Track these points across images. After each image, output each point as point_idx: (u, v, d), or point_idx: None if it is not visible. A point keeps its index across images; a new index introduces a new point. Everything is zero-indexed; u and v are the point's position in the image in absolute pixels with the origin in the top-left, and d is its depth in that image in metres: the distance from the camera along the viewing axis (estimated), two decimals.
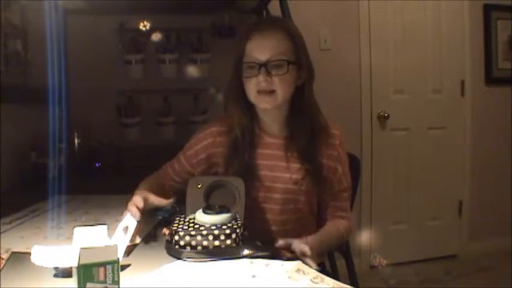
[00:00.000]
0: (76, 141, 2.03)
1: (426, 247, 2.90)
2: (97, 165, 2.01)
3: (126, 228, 0.98)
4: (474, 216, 2.99)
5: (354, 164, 1.44)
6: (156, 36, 2.30)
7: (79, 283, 0.69)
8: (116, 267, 0.71)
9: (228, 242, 0.94)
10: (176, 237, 0.94)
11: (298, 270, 0.85)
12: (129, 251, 0.96)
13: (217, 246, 0.93)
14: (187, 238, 0.93)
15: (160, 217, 1.15)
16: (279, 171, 1.20)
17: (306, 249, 0.99)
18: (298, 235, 1.19)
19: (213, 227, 0.95)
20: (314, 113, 1.22)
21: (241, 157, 1.19)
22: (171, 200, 1.13)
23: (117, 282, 0.71)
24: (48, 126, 1.85)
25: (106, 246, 0.75)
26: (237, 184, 1.08)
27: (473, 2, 2.92)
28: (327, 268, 1.41)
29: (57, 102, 1.98)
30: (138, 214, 1.03)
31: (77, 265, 0.70)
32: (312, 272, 0.85)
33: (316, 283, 0.81)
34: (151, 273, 0.85)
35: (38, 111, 1.92)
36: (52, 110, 1.92)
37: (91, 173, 1.98)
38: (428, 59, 2.88)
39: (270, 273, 0.84)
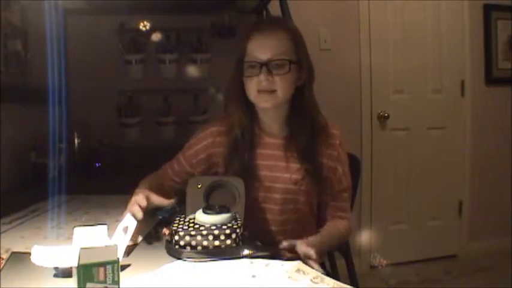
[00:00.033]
0: (76, 141, 2.03)
1: (426, 247, 2.90)
2: (97, 165, 2.01)
3: (126, 228, 0.98)
4: (474, 216, 2.99)
5: (354, 164, 1.44)
6: (156, 36, 2.30)
7: (79, 283, 0.69)
8: (116, 267, 0.71)
9: (228, 242, 0.94)
10: (176, 237, 0.94)
11: (298, 270, 0.85)
12: (129, 251, 0.96)
13: (217, 246, 0.93)
14: (187, 238, 0.93)
15: (160, 217, 1.15)
16: (278, 171, 1.21)
17: (311, 252, 0.99)
18: (298, 235, 1.19)
19: (213, 227, 0.94)
20: (314, 113, 1.22)
21: (241, 157, 1.19)
22: (172, 200, 1.13)
23: (117, 282, 0.71)
24: (48, 126, 1.85)
25: (106, 246, 0.75)
26: (237, 184, 1.08)
27: (473, 2, 2.92)
28: (327, 268, 1.41)
29: (57, 102, 1.98)
30: (140, 213, 1.03)
31: (77, 265, 0.70)
32: (312, 272, 0.85)
33: (316, 283, 0.81)
34: (151, 273, 0.85)
35: (38, 111, 1.92)
36: (52, 110, 1.92)
37: (91, 173, 1.98)
38: (428, 59, 2.88)
39: (270, 273, 0.84)
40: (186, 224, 0.97)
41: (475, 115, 2.96)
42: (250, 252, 0.92)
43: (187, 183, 1.10)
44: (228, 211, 0.99)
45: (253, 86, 1.15)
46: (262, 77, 1.13)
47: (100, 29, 2.27)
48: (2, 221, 1.21)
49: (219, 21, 2.33)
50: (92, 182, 1.88)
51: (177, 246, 0.94)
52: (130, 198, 1.10)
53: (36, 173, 1.81)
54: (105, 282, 0.70)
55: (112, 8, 2.19)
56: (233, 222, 0.97)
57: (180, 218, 1.02)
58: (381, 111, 2.79)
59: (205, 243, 0.93)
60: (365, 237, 2.76)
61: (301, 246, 1.01)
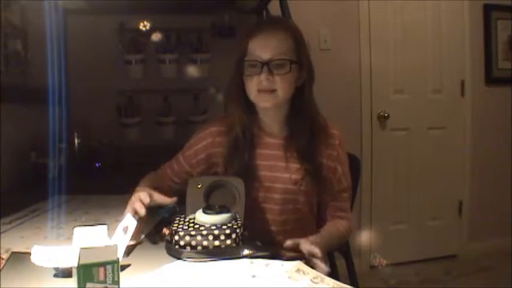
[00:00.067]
0: (76, 141, 2.03)
1: (426, 247, 2.90)
2: (97, 165, 2.01)
3: (126, 228, 0.98)
4: (474, 216, 2.99)
5: (354, 164, 1.44)
6: (156, 36, 2.30)
7: (79, 283, 0.69)
8: (116, 267, 0.71)
9: (228, 242, 0.94)
10: (176, 237, 0.94)
11: (298, 270, 0.85)
12: (129, 251, 0.96)
13: (217, 246, 0.93)
14: (187, 238, 0.93)
15: (160, 216, 1.15)
16: (278, 171, 1.20)
17: (316, 250, 0.99)
18: (298, 235, 1.19)
19: (213, 227, 0.95)
20: (314, 114, 1.22)
21: (241, 157, 1.19)
22: (174, 198, 1.12)
23: (117, 282, 0.71)
24: (48, 126, 1.85)
25: (106, 246, 0.75)
26: (237, 184, 1.08)
27: (473, 2, 2.92)
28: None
29: (57, 102, 1.98)
30: (143, 209, 1.03)
31: (77, 265, 0.70)
32: (312, 272, 0.85)
33: (316, 283, 0.81)
34: (151, 273, 0.85)
35: (38, 111, 1.92)
36: (52, 110, 1.92)
37: (91, 173, 1.98)
38: (428, 59, 2.88)
39: (270, 273, 0.84)
40: (186, 224, 0.97)
41: (475, 115, 2.96)
42: (250, 252, 0.92)
43: (188, 183, 1.10)
44: (228, 211, 0.99)
45: (254, 86, 1.15)
46: (263, 76, 1.13)
47: (100, 29, 2.27)
48: (2, 221, 1.21)
49: (219, 21, 2.33)
50: (92, 182, 1.88)
51: (177, 246, 0.94)
52: (131, 197, 1.10)
53: (36, 173, 1.81)
54: (105, 282, 0.70)
55: (112, 8, 2.19)
56: (233, 222, 0.97)
57: (180, 218, 1.02)
58: (381, 111, 2.79)
59: (205, 243, 0.93)
60: (365, 237, 2.75)
61: (305, 245, 1.01)
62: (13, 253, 0.95)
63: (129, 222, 0.99)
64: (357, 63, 2.76)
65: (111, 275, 0.70)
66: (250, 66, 1.15)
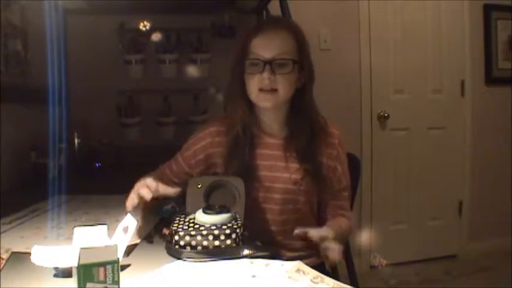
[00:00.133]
0: (76, 141, 2.03)
1: (426, 247, 2.90)
2: (97, 165, 2.01)
3: (126, 228, 0.98)
4: (474, 216, 2.99)
5: (354, 164, 1.44)
6: (156, 36, 2.30)
7: (79, 283, 0.69)
8: (116, 267, 0.71)
9: (228, 242, 0.94)
10: (176, 237, 0.94)
11: (298, 270, 0.85)
12: (129, 251, 0.96)
13: (217, 246, 0.93)
14: (187, 238, 0.93)
15: (160, 216, 1.15)
16: (278, 171, 1.20)
17: (325, 233, 1.00)
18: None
19: (213, 227, 0.94)
20: (313, 114, 1.22)
21: (240, 157, 1.19)
22: (178, 189, 1.11)
23: (117, 282, 0.71)
24: (48, 126, 1.85)
25: (106, 246, 0.75)
26: (237, 184, 1.08)
27: (473, 2, 2.92)
28: (327, 268, 1.41)
29: (57, 102, 1.98)
30: (150, 194, 1.03)
31: (77, 265, 0.70)
32: (312, 272, 0.85)
33: (316, 283, 0.81)
34: (151, 273, 0.85)
35: (38, 111, 1.92)
36: (52, 110, 1.92)
37: (91, 173, 1.98)
38: (428, 59, 2.88)
39: (270, 273, 0.84)
40: (186, 224, 0.97)
41: (475, 115, 2.96)
42: (250, 252, 0.92)
43: (188, 183, 1.10)
44: (228, 211, 0.99)
45: (255, 84, 1.15)
46: (265, 75, 1.13)
47: (100, 29, 2.27)
48: (2, 221, 1.21)
49: (219, 21, 2.33)
50: (92, 182, 1.88)
51: (177, 246, 0.94)
52: (132, 189, 1.09)
53: (36, 173, 1.81)
54: (105, 282, 0.70)
55: (112, 8, 2.19)
56: (233, 222, 0.97)
57: (180, 218, 1.02)
58: (381, 111, 2.79)
59: (205, 243, 0.93)
60: (365, 237, 2.76)
61: (314, 231, 1.02)
62: (13, 253, 0.95)
63: (129, 222, 0.99)
64: (357, 63, 2.76)
65: (111, 275, 0.70)
66: (251, 65, 1.15)
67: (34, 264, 0.84)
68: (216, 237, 0.93)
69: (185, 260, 0.92)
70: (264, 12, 2.23)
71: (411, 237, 2.88)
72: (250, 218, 1.04)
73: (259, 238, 1.01)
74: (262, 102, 1.17)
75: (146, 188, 1.05)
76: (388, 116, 2.80)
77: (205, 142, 1.24)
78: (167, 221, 1.07)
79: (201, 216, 0.98)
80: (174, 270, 0.87)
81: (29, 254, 0.86)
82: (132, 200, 1.06)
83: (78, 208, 1.39)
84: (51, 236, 1.11)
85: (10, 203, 1.38)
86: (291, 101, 1.21)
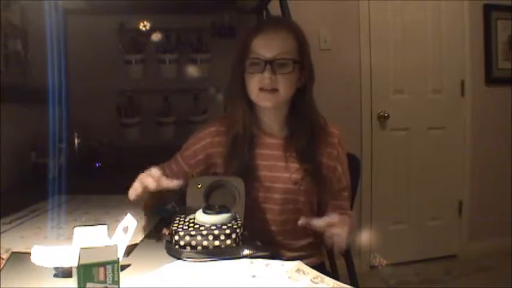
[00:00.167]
0: (76, 141, 2.03)
1: (426, 247, 2.90)
2: (97, 165, 2.01)
3: (126, 228, 0.98)
4: (474, 216, 2.99)
5: (354, 164, 1.44)
6: (156, 36, 2.30)
7: (79, 283, 0.69)
8: (116, 267, 0.71)
9: (228, 242, 0.94)
10: (176, 237, 0.94)
11: (298, 270, 0.85)
12: (129, 251, 0.96)
13: (217, 246, 0.93)
14: (187, 238, 0.93)
15: (160, 216, 1.15)
16: (278, 171, 1.20)
17: (330, 219, 1.01)
18: (298, 235, 1.19)
19: (213, 227, 0.94)
20: (313, 114, 1.22)
21: (240, 157, 1.19)
22: (181, 181, 1.11)
23: (117, 282, 0.71)
24: (48, 126, 1.85)
25: (106, 246, 0.75)
26: (237, 184, 1.08)
27: (473, 2, 2.92)
28: (327, 268, 1.41)
29: (57, 102, 1.98)
30: (153, 184, 1.02)
31: (77, 265, 0.70)
32: (312, 272, 0.85)
33: (316, 283, 0.81)
34: (151, 273, 0.85)
35: (38, 111, 1.92)
36: (52, 110, 1.92)
37: (91, 173, 1.98)
38: (428, 59, 2.88)
39: (270, 273, 0.84)
40: (186, 224, 0.97)
41: (475, 115, 2.96)
42: (250, 252, 0.92)
43: (188, 183, 1.10)
44: (228, 211, 0.99)
45: (255, 84, 1.15)
46: (266, 74, 1.13)
47: (100, 29, 2.27)
48: (2, 221, 1.21)
49: (219, 21, 2.33)
50: (92, 182, 1.88)
51: (177, 246, 0.94)
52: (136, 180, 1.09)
53: (36, 173, 1.81)
54: (105, 282, 0.70)
55: (112, 8, 2.19)
56: (233, 222, 0.97)
57: (180, 218, 1.02)
58: (381, 111, 2.79)
59: (205, 243, 0.93)
60: (365, 237, 2.75)
61: (319, 221, 1.04)
62: (13, 253, 0.95)
63: (129, 222, 0.99)
64: (357, 63, 2.76)
65: (111, 275, 0.70)
66: (252, 65, 1.15)
67: (34, 264, 0.83)
68: (216, 237, 0.93)
69: (185, 260, 0.92)
70: (264, 12, 2.23)
71: (411, 237, 2.89)
72: (250, 218, 1.04)
73: (259, 238, 1.01)
74: (263, 101, 1.17)
75: (150, 177, 1.04)
76: (388, 116, 2.80)
77: (205, 142, 1.24)
78: (167, 221, 1.07)
79: (201, 216, 0.98)
80: (174, 270, 0.87)
81: (29, 254, 0.86)
82: (135, 189, 1.05)
83: (78, 208, 1.39)
84: (51, 236, 1.11)
85: (10, 203, 1.38)
86: (291, 101, 1.21)
